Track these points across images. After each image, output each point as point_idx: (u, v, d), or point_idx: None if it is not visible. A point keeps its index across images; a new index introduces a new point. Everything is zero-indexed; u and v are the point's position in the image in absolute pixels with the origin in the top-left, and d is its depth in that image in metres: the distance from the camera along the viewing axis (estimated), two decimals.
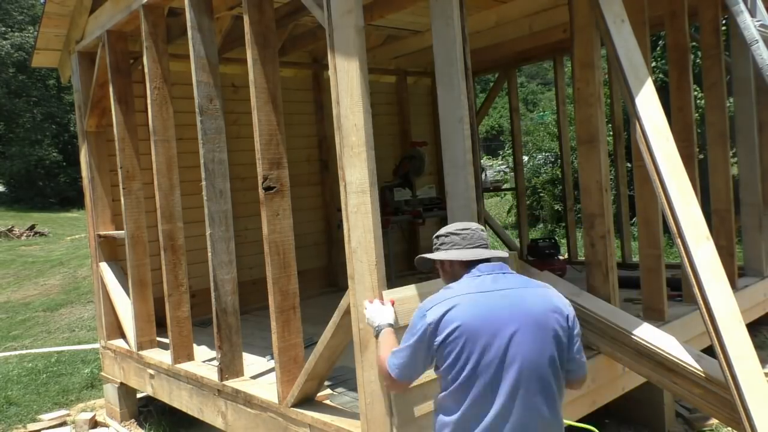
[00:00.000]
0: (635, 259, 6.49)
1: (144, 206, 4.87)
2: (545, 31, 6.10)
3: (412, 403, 2.67)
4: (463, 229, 2.13)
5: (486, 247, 2.11)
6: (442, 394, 1.95)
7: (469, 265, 2.05)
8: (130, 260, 4.75)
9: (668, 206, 3.02)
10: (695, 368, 3.08)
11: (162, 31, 4.32)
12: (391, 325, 2.36)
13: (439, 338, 1.88)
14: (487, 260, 2.08)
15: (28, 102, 31.01)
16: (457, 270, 2.09)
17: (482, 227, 2.19)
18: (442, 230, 2.18)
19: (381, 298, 2.61)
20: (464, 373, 1.85)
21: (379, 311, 2.46)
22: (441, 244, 2.15)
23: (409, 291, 2.73)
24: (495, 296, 1.91)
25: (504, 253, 2.14)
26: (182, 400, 4.32)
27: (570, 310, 1.98)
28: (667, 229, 3.25)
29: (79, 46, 5.35)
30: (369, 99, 2.67)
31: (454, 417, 1.89)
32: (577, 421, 3.19)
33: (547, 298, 1.97)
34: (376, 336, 2.36)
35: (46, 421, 5.27)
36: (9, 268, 13.63)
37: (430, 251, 2.23)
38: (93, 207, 5.41)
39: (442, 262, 2.15)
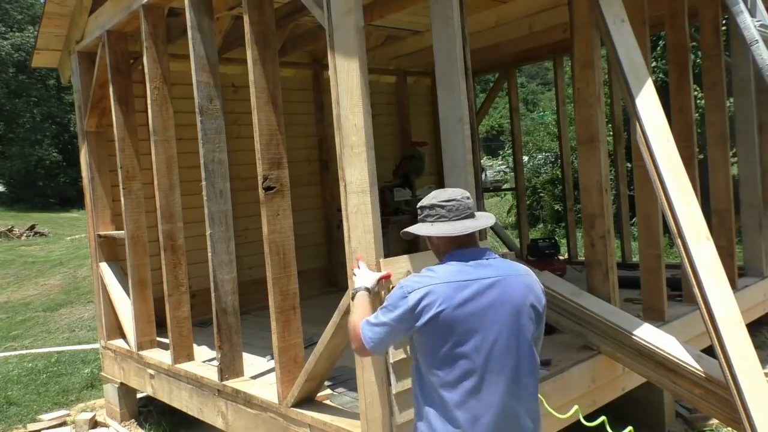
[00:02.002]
0: (635, 259, 6.50)
1: (144, 206, 4.86)
2: (545, 31, 6.10)
3: (412, 403, 2.67)
4: (448, 201, 2.05)
5: (472, 217, 2.07)
6: (424, 377, 1.96)
7: (455, 240, 2.03)
8: (130, 260, 4.75)
9: (668, 206, 3.02)
10: (695, 368, 3.08)
11: (162, 31, 4.32)
12: (367, 289, 2.37)
13: (420, 322, 1.89)
14: (472, 237, 2.05)
15: (28, 102, 31.02)
16: (443, 244, 2.07)
17: (467, 194, 2.11)
18: (426, 200, 2.10)
19: (379, 266, 2.59)
20: (448, 358, 1.88)
21: (362, 275, 2.47)
22: (426, 216, 2.08)
23: (403, 263, 2.69)
24: (478, 285, 1.91)
25: (490, 220, 2.11)
26: (182, 400, 4.32)
27: (543, 298, 2.03)
28: (667, 229, 3.25)
29: (79, 46, 5.35)
30: (369, 99, 2.66)
31: (444, 402, 1.91)
32: (576, 422, 3.18)
33: (528, 285, 2.00)
34: (352, 298, 2.37)
35: (46, 421, 5.27)
36: (9, 268, 13.63)
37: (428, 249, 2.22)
38: (93, 207, 5.41)
39: (427, 237, 2.11)
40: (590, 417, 3.51)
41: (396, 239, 7.31)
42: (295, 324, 3.37)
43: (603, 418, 2.64)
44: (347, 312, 2.80)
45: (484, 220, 2.09)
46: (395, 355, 2.59)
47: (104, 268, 5.41)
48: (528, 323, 1.95)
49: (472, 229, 2.02)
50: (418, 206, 2.14)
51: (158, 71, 4.29)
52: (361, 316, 2.12)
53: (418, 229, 2.10)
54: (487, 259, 2.00)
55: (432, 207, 2.07)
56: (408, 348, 2.46)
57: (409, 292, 1.92)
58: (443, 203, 2.05)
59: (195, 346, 4.48)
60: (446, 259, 2.03)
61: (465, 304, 1.88)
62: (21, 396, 5.96)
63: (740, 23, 3.24)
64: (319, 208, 7.13)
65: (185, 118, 4.88)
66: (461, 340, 1.87)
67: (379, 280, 2.50)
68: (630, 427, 2.62)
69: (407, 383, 2.65)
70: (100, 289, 5.42)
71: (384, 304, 2.01)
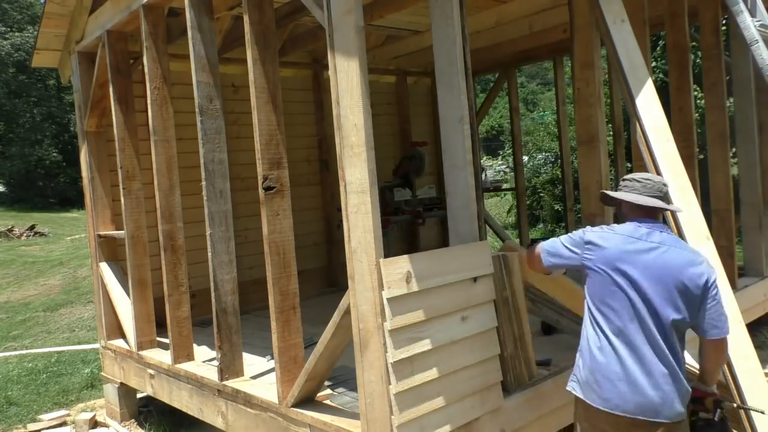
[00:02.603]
0: None
1: (144, 206, 4.86)
2: (545, 31, 6.10)
3: (412, 403, 2.67)
4: (645, 179, 2.44)
5: (662, 200, 2.42)
6: (590, 307, 2.39)
7: (639, 210, 2.41)
8: (130, 260, 4.75)
9: None
10: (695, 368, 3.08)
11: (162, 31, 4.31)
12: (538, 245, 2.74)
13: (588, 255, 2.38)
14: (654, 212, 2.41)
15: (28, 102, 31.02)
16: (630, 211, 2.45)
17: (665, 182, 2.48)
18: (634, 175, 2.49)
19: (379, 267, 2.64)
20: (606, 294, 2.31)
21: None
22: (624, 186, 2.47)
23: (403, 263, 2.70)
24: (644, 244, 2.30)
25: (677, 208, 2.66)
26: (182, 400, 4.33)
27: (709, 274, 2.27)
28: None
29: (79, 46, 5.35)
30: (369, 99, 2.66)
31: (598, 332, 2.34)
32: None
33: (689, 261, 2.27)
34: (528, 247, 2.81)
35: (46, 421, 5.27)
36: (9, 268, 13.64)
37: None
38: (93, 207, 5.41)
39: (620, 201, 2.47)
40: None
41: (396, 239, 7.32)
42: (295, 324, 3.37)
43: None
44: (347, 312, 2.81)
45: (673, 204, 2.50)
46: (395, 355, 2.60)
47: (104, 268, 5.41)
48: (675, 294, 2.22)
49: (658, 205, 2.39)
50: (627, 178, 2.48)
51: (158, 71, 4.29)
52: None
53: (619, 194, 2.47)
54: (660, 232, 2.35)
55: (631, 180, 2.45)
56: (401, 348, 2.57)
57: (590, 231, 2.44)
58: (641, 179, 2.44)
59: (195, 346, 4.47)
60: (627, 222, 2.42)
61: (629, 255, 2.29)
62: (21, 396, 5.96)
63: (740, 23, 3.24)
64: (319, 208, 7.13)
65: (185, 118, 4.89)
66: (618, 282, 2.28)
67: None
68: None
69: (407, 383, 2.65)
70: (100, 289, 5.42)
71: (567, 236, 2.51)
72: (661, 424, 2.23)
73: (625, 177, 2.51)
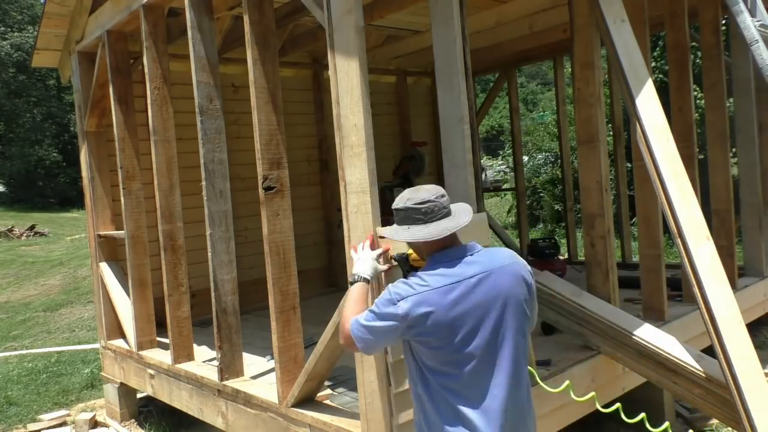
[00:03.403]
0: (635, 259, 6.50)
1: (144, 206, 4.86)
2: (545, 31, 6.09)
3: (413, 404, 2.67)
4: (422, 203, 1.99)
5: (449, 215, 2.02)
6: (428, 377, 1.97)
7: (436, 241, 1.98)
8: (130, 260, 4.75)
9: (668, 206, 3.02)
10: (695, 368, 3.08)
11: (162, 31, 4.32)
12: (366, 280, 2.28)
13: (414, 331, 1.91)
14: (452, 235, 2.00)
15: (28, 102, 31.02)
16: (424, 246, 2.03)
17: (441, 192, 2.04)
18: (400, 203, 2.04)
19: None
20: (449, 359, 1.91)
21: (361, 259, 2.38)
22: (401, 220, 2.04)
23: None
24: (465, 285, 1.91)
25: (466, 216, 2.05)
26: (182, 400, 4.33)
27: (531, 278, 2.05)
28: (667, 229, 3.25)
29: (79, 46, 5.35)
30: (369, 99, 2.66)
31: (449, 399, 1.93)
32: (577, 421, 3.19)
33: (514, 274, 1.99)
34: (350, 285, 2.29)
35: (46, 421, 5.27)
36: (9, 268, 13.64)
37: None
38: (93, 207, 5.41)
39: (407, 242, 2.10)
40: (591, 416, 3.51)
41: None
42: (295, 324, 3.37)
43: (618, 405, 2.70)
44: None
45: (461, 217, 2.03)
46: (395, 355, 2.60)
47: (104, 268, 5.41)
48: (519, 313, 1.97)
49: (450, 231, 1.98)
50: (393, 207, 2.07)
51: (158, 71, 4.29)
52: (354, 310, 2.10)
53: (395, 234, 2.07)
54: (471, 255, 1.99)
55: (407, 210, 2.01)
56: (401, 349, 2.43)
57: (400, 300, 1.91)
58: (418, 206, 1.99)
59: (195, 346, 4.48)
60: (430, 262, 2.02)
61: (455, 305, 1.89)
62: (21, 396, 5.96)
63: (740, 23, 3.24)
64: (319, 208, 7.13)
65: (185, 118, 4.88)
66: (458, 340, 1.89)
67: (378, 257, 2.42)
68: (643, 414, 2.64)
69: (408, 383, 2.65)
70: (100, 289, 5.42)
71: (373, 307, 1.98)
72: None
73: (396, 207, 2.04)
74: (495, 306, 1.92)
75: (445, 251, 2.00)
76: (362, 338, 1.99)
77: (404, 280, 2.02)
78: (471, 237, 2.13)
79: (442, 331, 1.88)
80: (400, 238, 2.06)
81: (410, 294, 1.91)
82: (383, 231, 2.12)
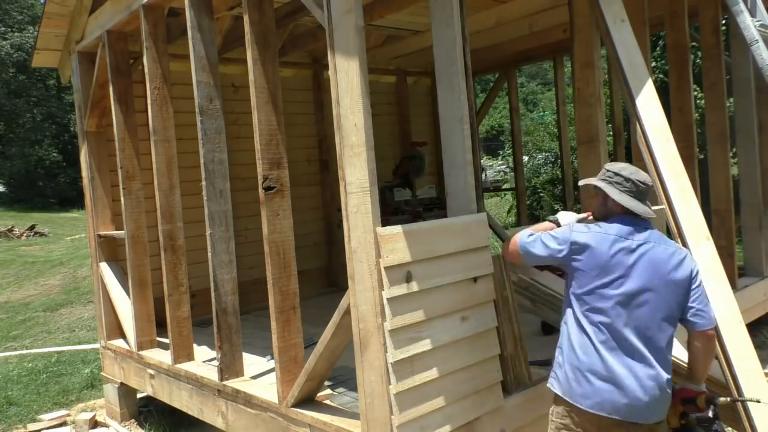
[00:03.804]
0: None
1: (144, 206, 4.86)
2: (545, 31, 6.10)
3: (413, 403, 2.67)
4: (642, 183, 2.38)
5: (650, 204, 2.42)
6: (573, 303, 2.37)
7: (627, 209, 2.35)
8: (130, 260, 4.75)
9: (668, 206, 3.02)
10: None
11: (162, 31, 4.31)
12: (557, 223, 2.69)
13: (575, 255, 2.34)
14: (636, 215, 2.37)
15: (28, 102, 31.03)
16: (614, 210, 2.40)
17: (650, 180, 2.45)
18: (625, 171, 2.41)
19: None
20: (593, 294, 2.29)
21: (568, 215, 2.79)
22: (616, 183, 2.39)
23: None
24: (630, 243, 2.29)
25: (653, 215, 2.45)
26: (182, 400, 4.32)
27: (692, 265, 2.34)
28: (667, 228, 3.25)
29: (79, 46, 5.35)
30: (369, 99, 2.66)
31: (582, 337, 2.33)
32: None
33: (671, 253, 2.31)
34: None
35: (46, 421, 5.27)
36: (9, 268, 13.63)
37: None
38: (93, 207, 5.41)
39: (606, 195, 2.42)
40: None
41: None
42: (295, 324, 3.37)
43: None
44: (347, 312, 2.81)
45: (651, 210, 2.43)
46: (395, 355, 2.60)
47: (104, 268, 5.41)
48: (663, 291, 2.25)
49: (649, 216, 2.37)
50: (614, 170, 2.42)
51: (158, 71, 4.29)
52: (529, 230, 2.59)
53: (610, 190, 2.40)
54: (645, 229, 2.34)
55: (628, 180, 2.38)
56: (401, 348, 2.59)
57: (576, 231, 2.38)
58: (639, 182, 2.38)
59: (195, 346, 4.47)
60: (612, 220, 2.38)
61: (617, 254, 2.27)
62: (21, 396, 5.95)
63: (740, 23, 3.24)
64: (319, 208, 7.13)
65: (185, 118, 4.88)
66: (605, 282, 2.26)
67: (580, 221, 2.70)
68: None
69: (407, 383, 2.65)
70: (100, 289, 5.42)
71: (554, 233, 2.44)
72: (643, 425, 2.24)
73: (620, 171, 2.42)
74: (646, 272, 2.25)
75: (627, 217, 2.36)
76: (529, 249, 2.49)
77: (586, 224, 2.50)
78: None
79: (596, 268, 2.28)
80: (612, 194, 2.39)
81: (587, 230, 2.37)
82: (599, 183, 2.45)
